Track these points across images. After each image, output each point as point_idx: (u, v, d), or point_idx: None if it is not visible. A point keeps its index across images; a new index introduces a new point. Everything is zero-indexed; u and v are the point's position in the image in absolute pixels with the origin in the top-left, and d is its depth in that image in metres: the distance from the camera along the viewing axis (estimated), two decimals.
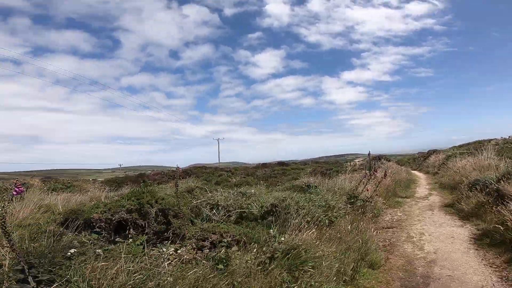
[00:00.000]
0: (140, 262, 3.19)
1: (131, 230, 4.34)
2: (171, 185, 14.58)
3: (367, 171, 10.29)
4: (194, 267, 3.04)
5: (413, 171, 23.86)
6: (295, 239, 3.99)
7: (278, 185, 9.98)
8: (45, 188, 11.96)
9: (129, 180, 21.62)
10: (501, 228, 4.55)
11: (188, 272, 2.79)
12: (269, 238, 4.12)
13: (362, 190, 7.21)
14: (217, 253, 3.31)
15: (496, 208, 5.60)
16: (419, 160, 29.17)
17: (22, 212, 5.74)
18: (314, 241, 4.08)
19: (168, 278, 2.60)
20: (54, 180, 17.66)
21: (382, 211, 7.57)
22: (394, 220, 7.03)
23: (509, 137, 26.97)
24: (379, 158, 17.97)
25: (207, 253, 3.54)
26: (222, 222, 5.14)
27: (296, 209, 5.34)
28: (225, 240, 3.83)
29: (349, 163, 17.12)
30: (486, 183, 6.93)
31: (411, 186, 12.64)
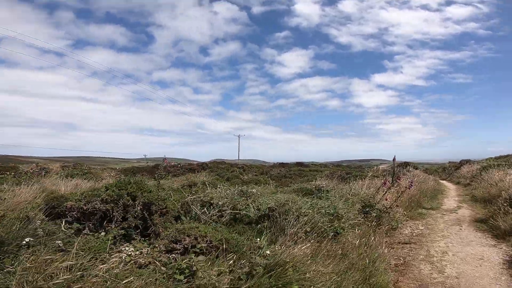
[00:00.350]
0: (93, 259, 2.77)
1: (112, 223, 4.01)
2: (181, 178, 14.42)
3: (389, 178, 9.33)
4: (149, 273, 2.53)
5: (442, 181, 21.96)
6: (285, 253, 3.36)
7: (289, 186, 9.31)
8: (62, 173, 12.21)
9: (145, 170, 21.84)
10: None
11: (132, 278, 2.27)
12: (255, 249, 3.53)
13: (381, 199, 6.37)
14: (181, 260, 2.77)
15: None
16: (449, 169, 26.91)
17: (24, 195, 5.63)
18: (307, 258, 3.42)
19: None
20: (73, 166, 18.20)
21: (402, 223, 6.67)
22: (414, 234, 6.12)
23: None
24: (405, 165, 16.57)
25: (175, 258, 3.03)
26: (211, 223, 4.64)
27: (297, 215, 4.69)
28: (199, 246, 3.29)
29: (371, 169, 15.91)
30: None
31: (438, 197, 11.39)
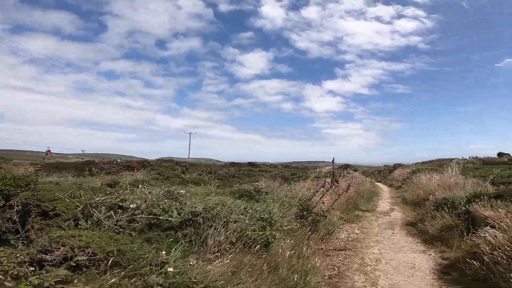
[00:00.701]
0: None
1: None
2: (114, 177, 12.72)
3: (328, 180, 9.27)
4: None
5: (377, 183, 23.67)
6: (196, 270, 2.64)
7: (232, 187, 8.63)
8: None
9: (73, 166, 19.15)
10: (475, 262, 3.53)
11: None
12: (159, 263, 2.75)
13: (318, 202, 6.06)
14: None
15: (466, 234, 4.67)
16: (384, 172, 29.28)
17: None
18: (227, 275, 2.76)
19: None
20: None
21: (338, 227, 6.48)
22: (350, 239, 5.94)
23: (469, 157, 27.90)
24: (345, 167, 17.30)
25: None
26: (119, 229, 3.70)
27: (225, 222, 4.01)
28: (77, 259, 2.41)
29: (314, 170, 16.26)
30: (455, 203, 6.07)
31: (374, 199, 11.89)
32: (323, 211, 5.92)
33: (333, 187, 8.36)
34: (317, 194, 6.20)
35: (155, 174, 15.96)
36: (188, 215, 4.12)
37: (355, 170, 18.69)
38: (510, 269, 2.49)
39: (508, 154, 22.80)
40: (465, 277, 3.24)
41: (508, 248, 2.72)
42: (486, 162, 20.80)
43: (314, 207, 5.89)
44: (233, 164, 35.80)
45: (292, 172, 26.55)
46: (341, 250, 5.26)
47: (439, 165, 22.99)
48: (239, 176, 18.71)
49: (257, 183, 7.68)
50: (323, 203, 6.12)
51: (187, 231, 3.90)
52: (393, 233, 6.35)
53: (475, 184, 8.25)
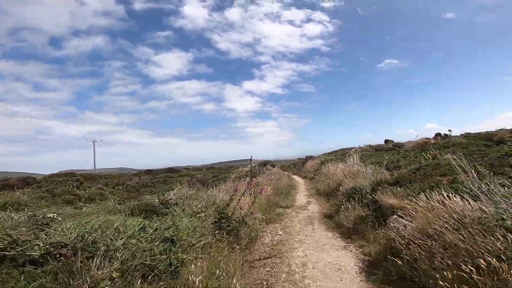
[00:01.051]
0: None
1: None
2: None
3: (247, 180, 8.95)
4: None
5: (293, 176, 25.30)
6: None
7: (139, 201, 7.29)
8: None
9: None
10: (396, 260, 3.58)
11: None
12: None
13: (235, 207, 5.54)
14: None
15: (378, 225, 4.91)
16: (298, 165, 31.73)
17: None
18: None
19: None
20: None
21: (261, 231, 6.15)
22: (274, 242, 5.65)
23: (364, 145, 32.90)
24: (264, 164, 17.66)
25: None
26: None
27: (106, 251, 3.01)
28: None
29: (236, 170, 15.97)
30: (362, 192, 6.52)
31: (292, 193, 12.31)
32: (242, 216, 5.43)
33: (252, 187, 8.06)
34: (234, 198, 5.68)
35: (42, 193, 12.76)
36: (47, 247, 2.97)
37: (273, 166, 19.36)
38: (433, 266, 2.46)
39: (392, 141, 27.70)
40: (391, 277, 3.22)
41: (422, 242, 2.74)
42: (377, 149, 24.71)
43: (233, 213, 5.34)
44: (148, 171, 32.58)
45: (216, 174, 25.82)
46: (267, 258, 4.88)
47: (342, 154, 26.20)
48: (153, 185, 16.86)
49: (168, 193, 6.65)
50: (240, 208, 5.63)
51: (49, 266, 2.80)
52: (313, 229, 6.40)
53: (374, 171, 9.28)
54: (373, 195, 6.07)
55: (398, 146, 23.85)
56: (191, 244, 3.77)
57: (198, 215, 4.74)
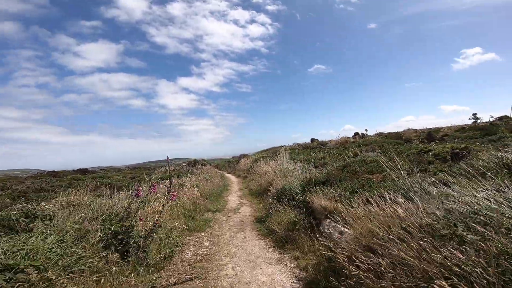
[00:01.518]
0: None
1: None
2: None
3: (166, 183, 7.80)
4: None
5: (227, 175, 24.63)
6: None
7: None
8: None
9: None
10: (339, 281, 3.13)
11: None
12: None
13: (135, 217, 4.45)
14: None
15: (311, 232, 4.52)
16: (233, 163, 31.27)
17: None
18: None
19: None
20: None
21: (182, 244, 5.19)
22: (198, 258, 4.77)
23: (293, 144, 34.47)
24: (194, 162, 16.39)
25: None
26: None
27: None
28: None
29: (158, 170, 14.35)
30: (292, 192, 6.18)
31: (224, 194, 11.56)
32: (150, 229, 4.38)
33: (170, 193, 7.00)
34: (133, 206, 4.57)
35: None
36: None
37: (204, 165, 18.24)
38: None
39: (317, 139, 29.66)
40: None
41: (366, 259, 2.30)
42: (304, 147, 25.99)
43: (134, 226, 4.24)
44: (52, 173, 27.30)
45: (138, 175, 23.12)
46: (187, 281, 3.97)
47: (273, 152, 26.77)
48: (52, 189, 13.86)
49: (53, 200, 5.06)
50: (141, 220, 4.60)
51: None
52: (245, 237, 5.75)
53: (303, 169, 9.25)
54: (304, 195, 5.76)
55: (322, 145, 25.58)
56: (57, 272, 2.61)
57: (76, 230, 3.52)
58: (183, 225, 5.65)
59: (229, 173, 26.35)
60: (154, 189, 4.77)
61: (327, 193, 5.12)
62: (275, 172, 10.48)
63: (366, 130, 23.30)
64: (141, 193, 4.56)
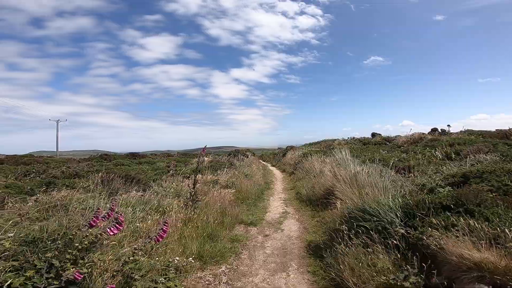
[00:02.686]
0: None
1: None
2: None
3: (188, 181, 5.73)
4: None
5: (271, 167, 22.31)
6: None
7: None
8: None
9: None
10: None
11: None
12: None
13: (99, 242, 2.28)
14: None
15: None
16: (278, 155, 28.81)
17: None
18: None
19: None
20: None
21: None
22: None
23: (347, 138, 30.39)
24: (236, 153, 14.26)
25: None
26: None
27: None
28: None
29: (192, 160, 12.75)
30: (384, 220, 3.43)
31: (265, 195, 9.21)
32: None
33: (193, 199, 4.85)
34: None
35: None
36: None
37: (246, 156, 16.06)
38: None
39: (379, 134, 25.33)
40: None
41: None
42: (364, 143, 22.19)
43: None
44: (105, 156, 28.28)
45: (181, 160, 22.19)
46: None
47: (326, 146, 23.49)
48: (87, 175, 13.17)
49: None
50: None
51: None
52: (288, 276, 3.29)
53: (383, 174, 6.30)
54: (411, 228, 3.02)
55: (388, 140, 21.41)
56: None
57: None
58: (190, 260, 3.42)
59: (273, 165, 23.98)
60: (115, 230, 2.44)
61: (478, 235, 2.36)
62: (335, 175, 7.74)
63: (448, 126, 18.59)
64: (99, 219, 2.36)
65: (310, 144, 32.88)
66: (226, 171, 9.07)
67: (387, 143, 20.21)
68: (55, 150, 44.51)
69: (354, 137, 30.58)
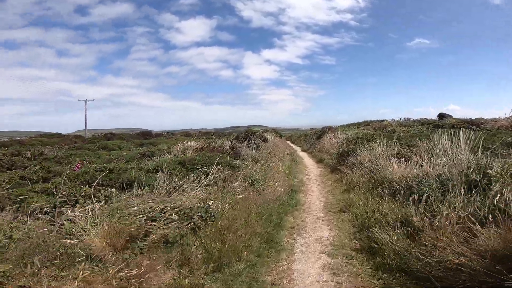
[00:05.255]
0: None
1: None
2: None
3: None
4: None
5: (302, 153, 17.33)
6: None
7: None
8: None
9: None
10: None
11: None
12: None
13: None
14: None
15: None
16: (310, 137, 23.32)
17: None
18: None
19: None
20: None
21: None
22: None
23: (400, 119, 23.76)
24: (248, 134, 9.22)
25: None
26: None
27: None
28: None
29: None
30: None
31: (291, 209, 4.46)
32: None
33: None
34: None
35: None
36: None
37: (264, 140, 11.03)
38: None
39: (450, 116, 18.66)
40: None
41: None
42: (434, 125, 16.04)
43: None
44: (109, 135, 25.30)
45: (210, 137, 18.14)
46: None
47: (379, 128, 17.69)
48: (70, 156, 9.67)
49: None
50: None
51: None
52: None
53: None
54: None
55: (473, 124, 15.02)
56: None
57: None
58: None
59: (304, 150, 18.90)
60: None
61: None
62: None
63: None
64: None
65: (349, 125, 26.85)
66: (210, 178, 4.33)
67: (472, 126, 14.00)
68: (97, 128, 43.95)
69: (409, 119, 24.04)
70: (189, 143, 6.78)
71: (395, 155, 6.52)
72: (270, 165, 7.05)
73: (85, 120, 43.48)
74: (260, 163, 6.92)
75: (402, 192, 4.13)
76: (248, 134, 8.75)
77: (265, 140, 10.22)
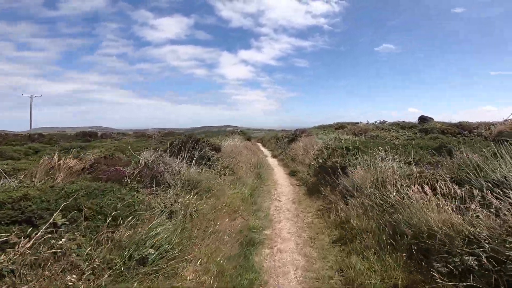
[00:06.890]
0: None
1: None
2: None
3: None
4: None
5: (272, 160, 14.79)
6: None
7: None
8: None
9: None
10: None
11: None
12: None
13: None
14: None
15: None
16: (282, 141, 20.82)
17: None
18: None
19: None
20: None
21: None
22: None
23: (376, 121, 22.21)
24: (190, 141, 6.12)
25: None
26: None
27: None
28: None
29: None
30: None
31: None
32: None
33: None
34: None
35: None
36: None
37: (216, 149, 8.12)
38: None
39: (432, 119, 17.15)
40: None
41: None
42: (423, 130, 14.33)
43: None
44: (85, 134, 20.95)
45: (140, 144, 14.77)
46: None
47: (360, 132, 15.67)
48: None
49: None
50: None
51: None
52: None
53: None
54: None
55: (466, 129, 13.44)
56: None
57: None
58: None
59: (274, 156, 16.38)
60: None
61: None
62: None
63: None
64: None
65: (322, 127, 24.88)
66: None
67: (465, 132, 12.38)
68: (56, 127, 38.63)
69: (385, 121, 22.58)
70: (67, 160, 3.76)
71: (412, 179, 4.09)
72: (219, 197, 4.24)
73: (30, 118, 38.39)
74: (203, 192, 4.13)
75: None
76: (189, 142, 5.84)
77: (217, 149, 7.34)
